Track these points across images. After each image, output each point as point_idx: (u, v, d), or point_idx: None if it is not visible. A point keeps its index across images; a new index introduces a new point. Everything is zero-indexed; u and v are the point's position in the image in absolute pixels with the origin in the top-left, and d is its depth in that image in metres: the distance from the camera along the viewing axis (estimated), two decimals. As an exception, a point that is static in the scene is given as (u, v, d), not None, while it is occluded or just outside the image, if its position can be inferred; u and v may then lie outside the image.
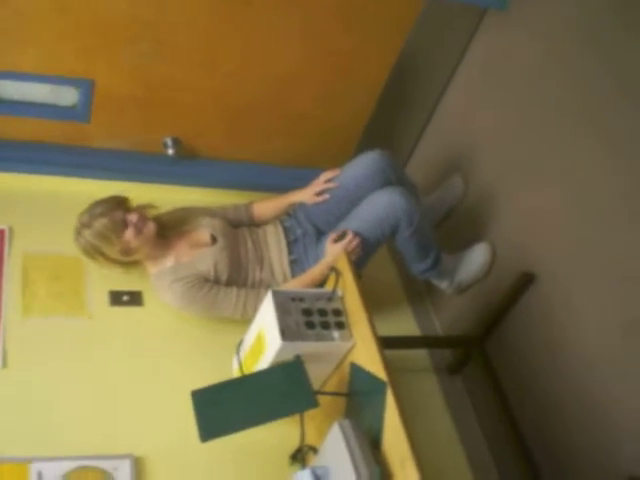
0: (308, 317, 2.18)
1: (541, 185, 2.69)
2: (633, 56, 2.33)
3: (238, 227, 2.94)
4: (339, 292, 2.28)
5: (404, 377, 2.26)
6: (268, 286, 2.74)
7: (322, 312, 2.21)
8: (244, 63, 3.00)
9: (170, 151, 3.21)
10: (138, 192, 3.02)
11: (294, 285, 2.72)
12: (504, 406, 2.69)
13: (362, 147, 3.42)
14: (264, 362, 2.19)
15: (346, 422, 2.01)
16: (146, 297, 2.83)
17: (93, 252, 2.68)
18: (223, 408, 2.05)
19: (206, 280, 2.69)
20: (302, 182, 2.99)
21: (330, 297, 2.27)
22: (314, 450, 2.29)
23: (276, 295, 2.19)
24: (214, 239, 2.81)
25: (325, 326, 2.19)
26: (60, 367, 2.54)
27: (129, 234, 2.63)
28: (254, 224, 3.02)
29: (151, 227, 2.69)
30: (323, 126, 3.34)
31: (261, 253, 2.83)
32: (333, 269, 2.33)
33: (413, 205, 2.69)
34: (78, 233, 2.66)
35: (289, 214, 2.97)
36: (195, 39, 2.87)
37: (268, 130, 3.31)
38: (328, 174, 2.90)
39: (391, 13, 2.95)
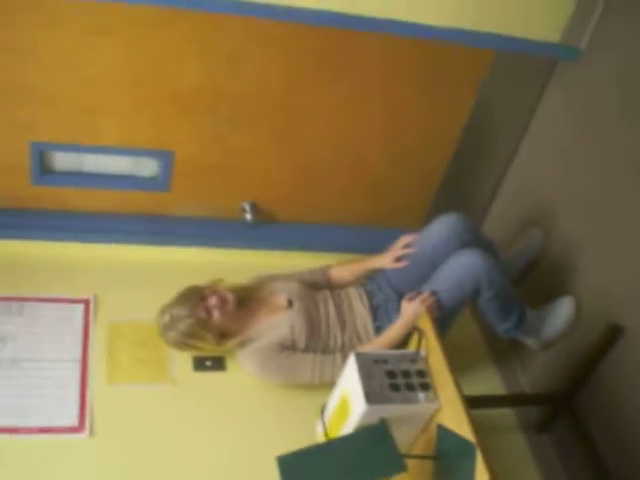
0: (392, 379, 2.15)
1: (623, 236, 2.63)
2: None
3: (317, 290, 2.94)
4: (422, 352, 2.26)
5: (491, 437, 2.20)
6: (348, 351, 2.70)
7: (406, 374, 2.18)
8: (319, 127, 3.06)
9: (248, 216, 3.26)
10: (218, 257, 3.09)
11: (372, 347, 2.70)
12: (596, 464, 2.59)
13: (437, 205, 3.43)
14: (349, 426, 2.16)
15: (435, 486, 1.97)
16: (229, 362, 2.84)
17: (185, 347, 2.76)
18: (309, 474, 2.02)
19: (284, 347, 2.69)
20: (378, 242, 2.99)
21: (414, 358, 2.24)
22: (403, 515, 2.24)
23: (359, 358, 2.17)
24: (290, 302, 2.81)
25: (410, 388, 2.15)
26: (145, 434, 2.55)
27: (216, 318, 2.68)
28: (332, 287, 3.00)
29: (230, 299, 2.72)
30: (398, 186, 3.35)
31: (343, 316, 2.82)
32: (416, 329, 2.31)
33: (492, 265, 2.65)
34: (164, 333, 2.73)
35: (369, 278, 2.96)
36: (270, 107, 2.94)
37: (343, 192, 3.35)
38: (406, 239, 2.88)
39: (460, 68, 2.98)
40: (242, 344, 2.75)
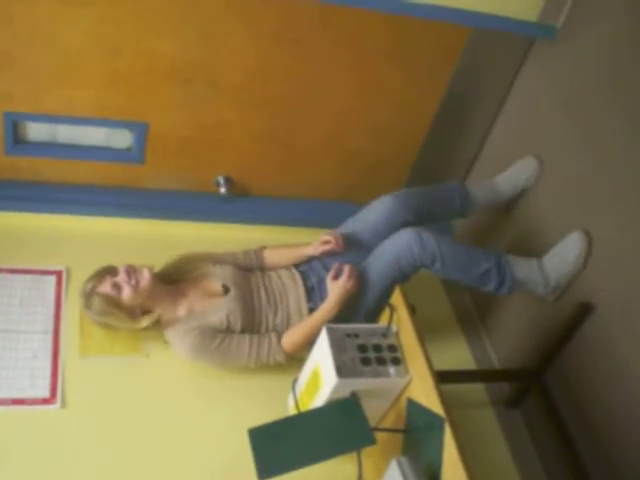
0: (364, 353, 2.16)
1: (595, 214, 2.66)
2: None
3: (251, 272, 2.89)
4: (394, 327, 2.27)
5: (461, 411, 2.22)
6: (281, 331, 2.70)
7: (377, 348, 2.20)
8: (295, 100, 3.05)
9: (222, 190, 3.25)
10: (191, 231, 3.08)
11: (302, 329, 2.67)
12: (565, 440, 2.64)
13: (414, 179, 3.43)
14: (320, 399, 2.18)
15: (404, 459, 1.99)
16: (201, 335, 2.84)
17: (109, 328, 2.67)
18: (280, 446, 2.04)
19: (218, 331, 2.64)
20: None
21: (385, 332, 2.25)
22: (372, 488, 2.27)
23: (331, 332, 2.18)
24: (226, 289, 2.76)
25: (381, 362, 2.17)
26: (117, 407, 2.56)
27: (126, 295, 2.58)
28: (265, 269, 2.95)
29: (146, 275, 2.62)
30: (374, 160, 3.36)
31: (274, 299, 2.77)
32: (388, 304, 2.32)
33: (426, 237, 2.62)
34: (86, 314, 2.66)
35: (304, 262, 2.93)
36: (247, 79, 2.92)
37: (319, 166, 3.34)
38: (325, 237, 2.80)
39: (438, 45, 2.98)
40: (171, 324, 2.68)
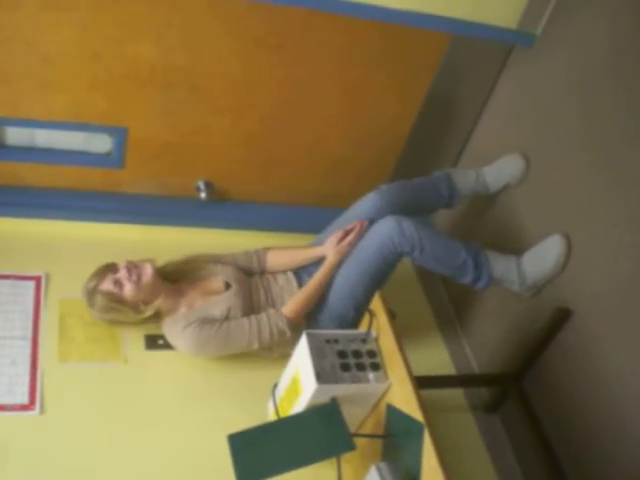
0: (343, 359, 2.17)
1: (574, 220, 2.68)
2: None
3: (250, 275, 2.91)
4: (373, 333, 2.28)
5: (440, 417, 2.24)
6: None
7: (357, 354, 2.20)
8: (275, 106, 3.05)
9: (203, 194, 3.25)
10: (172, 235, 3.08)
11: (303, 294, 2.74)
12: (542, 444, 2.65)
13: (395, 177, 3.44)
14: (300, 405, 2.18)
15: (383, 465, 1.99)
16: (181, 340, 2.84)
17: (115, 323, 2.72)
18: (260, 452, 2.04)
19: (217, 320, 2.66)
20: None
21: (364, 338, 2.26)
22: (352, 493, 2.27)
23: (310, 337, 2.19)
24: (227, 286, 2.79)
25: (360, 368, 2.17)
26: (96, 413, 2.54)
27: (127, 290, 2.61)
28: (263, 272, 2.96)
29: (148, 270, 2.65)
30: (354, 166, 3.37)
31: (272, 299, 2.82)
32: (367, 310, 2.32)
33: (406, 224, 2.65)
34: (90, 313, 2.69)
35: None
36: (227, 84, 2.92)
37: (300, 171, 3.34)
38: (339, 234, 2.82)
39: (419, 51, 2.99)
40: (170, 320, 2.70)
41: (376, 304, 2.31)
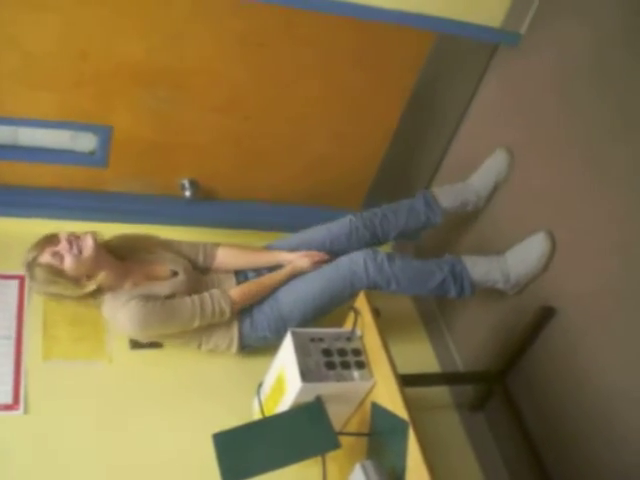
0: (328, 357, 2.17)
1: (556, 217, 2.69)
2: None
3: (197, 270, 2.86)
4: (358, 332, 2.28)
5: (425, 415, 2.24)
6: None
7: (342, 352, 2.21)
8: (259, 105, 3.04)
9: (187, 193, 3.24)
10: (157, 234, 3.05)
11: (253, 283, 2.76)
12: (527, 442, 2.66)
13: (376, 185, 3.45)
14: (285, 404, 2.18)
15: (368, 463, 2.00)
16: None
17: (55, 297, 2.60)
18: (245, 451, 2.04)
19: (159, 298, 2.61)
20: (318, 221, 3.00)
21: (349, 337, 2.26)
22: (337, 492, 2.28)
23: (295, 336, 2.19)
24: (174, 274, 2.74)
25: (345, 366, 2.18)
26: (81, 412, 2.54)
27: (68, 264, 2.49)
28: (208, 268, 2.90)
29: (89, 243, 2.53)
30: (338, 165, 3.37)
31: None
32: (352, 308, 2.33)
33: (382, 262, 2.69)
34: (30, 287, 2.64)
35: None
36: (211, 83, 2.91)
37: (284, 170, 3.34)
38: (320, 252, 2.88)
39: (402, 50, 2.99)
40: (111, 295, 2.60)
41: (361, 302, 2.31)
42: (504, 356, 2.82)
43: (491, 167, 3.01)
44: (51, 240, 2.54)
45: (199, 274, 2.83)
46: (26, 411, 2.48)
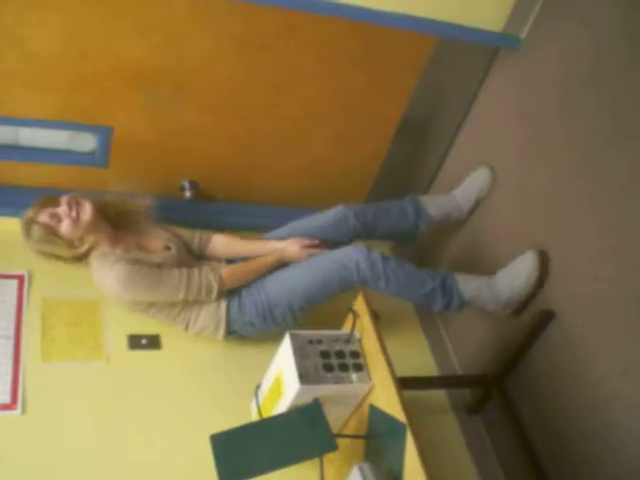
0: (326, 359, 2.17)
1: (553, 222, 2.69)
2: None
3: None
4: (357, 334, 2.28)
5: (423, 418, 2.25)
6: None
7: (340, 354, 2.21)
8: (259, 107, 3.05)
9: (187, 194, 3.24)
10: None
11: (245, 267, 2.78)
12: (525, 445, 2.66)
13: (378, 186, 3.45)
14: (283, 406, 2.18)
15: (366, 465, 2.00)
16: (164, 340, 2.84)
17: (48, 256, 2.67)
18: (242, 452, 2.04)
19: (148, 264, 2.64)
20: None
21: (348, 339, 2.27)
22: (334, 494, 2.28)
23: (294, 338, 2.19)
24: (167, 248, 2.77)
25: (343, 368, 2.18)
26: (78, 413, 2.54)
27: (65, 227, 2.60)
28: (203, 256, 2.94)
29: (87, 209, 2.63)
30: (339, 167, 3.37)
31: None
32: (351, 311, 2.33)
33: (376, 259, 2.69)
34: (26, 243, 2.66)
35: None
36: (213, 84, 2.92)
37: (284, 172, 3.35)
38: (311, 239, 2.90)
39: (403, 53, 2.99)
40: (101, 254, 2.64)
41: (359, 305, 2.31)
42: (502, 359, 2.82)
43: (473, 183, 3.07)
44: (51, 201, 2.63)
45: (192, 259, 2.85)
46: (24, 411, 2.48)
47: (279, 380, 2.22)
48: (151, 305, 2.69)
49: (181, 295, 2.63)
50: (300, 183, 3.41)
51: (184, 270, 2.65)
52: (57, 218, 2.60)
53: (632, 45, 2.42)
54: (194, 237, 2.93)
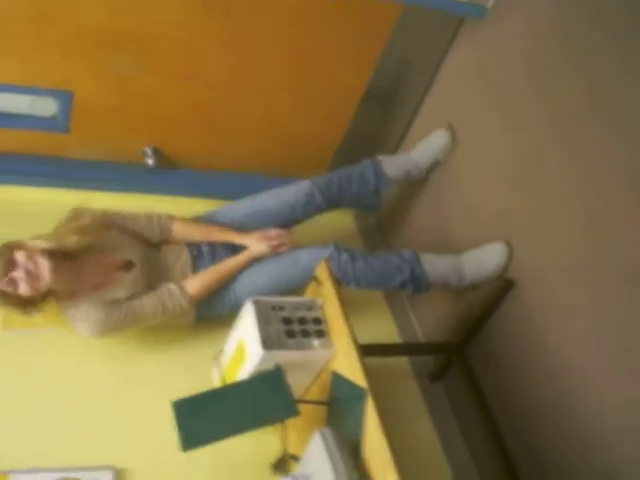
0: (288, 326, 2.18)
1: (517, 191, 2.71)
2: (608, 61, 2.36)
3: (150, 245, 2.82)
4: (319, 300, 2.29)
5: (385, 384, 2.26)
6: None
7: (302, 321, 2.22)
8: (224, 73, 3.02)
9: (150, 161, 3.21)
10: (118, 202, 3.03)
11: (211, 278, 2.72)
12: (485, 411, 2.70)
13: (344, 153, 3.45)
14: (245, 372, 2.19)
15: (327, 430, 2.01)
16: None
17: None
18: (204, 418, 2.04)
19: (120, 301, 2.58)
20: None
21: (310, 306, 2.27)
22: (296, 459, 2.29)
23: (257, 304, 2.19)
24: (130, 264, 2.68)
25: (305, 335, 2.19)
26: (40, 378, 2.53)
27: (23, 290, 2.42)
28: (164, 241, 2.87)
29: (45, 270, 2.43)
30: (303, 133, 3.36)
31: (169, 270, 2.77)
32: (314, 278, 2.33)
33: (345, 262, 2.74)
34: None
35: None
36: (176, 50, 2.88)
37: (248, 139, 3.33)
38: (277, 231, 2.87)
39: (368, 21, 2.97)
40: (71, 304, 2.54)
41: (322, 272, 2.32)
42: (464, 327, 2.86)
43: (431, 144, 3.12)
44: (9, 265, 2.42)
45: (154, 252, 2.79)
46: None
47: (241, 346, 2.22)
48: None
49: (157, 322, 2.65)
50: (265, 150, 3.39)
51: (156, 299, 2.60)
52: (14, 284, 2.42)
53: (598, 17, 2.42)
54: (153, 225, 2.81)
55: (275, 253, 2.81)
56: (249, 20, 2.84)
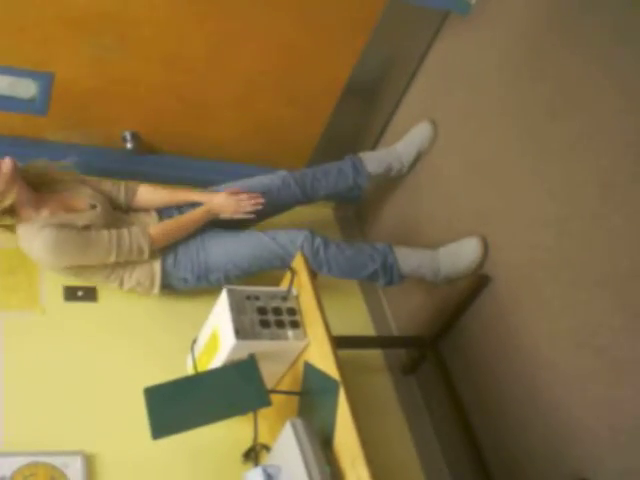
0: (263, 316, 2.18)
1: (495, 188, 2.72)
2: (585, 70, 2.37)
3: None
4: (294, 291, 2.29)
5: (358, 377, 2.28)
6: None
7: (277, 311, 2.22)
8: (205, 59, 3.00)
9: (129, 145, 3.19)
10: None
11: (174, 224, 2.76)
12: (457, 406, 2.72)
13: (325, 148, 3.44)
14: (218, 360, 2.19)
15: (298, 421, 2.02)
16: (101, 293, 2.81)
17: None
18: (176, 406, 2.04)
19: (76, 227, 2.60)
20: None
21: (285, 296, 2.27)
22: (267, 449, 2.30)
23: (231, 293, 2.19)
24: (93, 207, 2.71)
25: (279, 325, 2.19)
26: (11, 361, 2.52)
27: None
28: (130, 208, 2.90)
29: (7, 162, 2.50)
30: (282, 125, 3.34)
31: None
32: (289, 268, 2.33)
33: (318, 247, 2.75)
34: None
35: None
36: (157, 34, 2.85)
37: (228, 126, 3.30)
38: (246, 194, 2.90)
39: (351, 13, 2.95)
40: (27, 220, 2.58)
41: (298, 263, 2.32)
42: (437, 322, 2.87)
43: (415, 136, 3.12)
44: None
45: (120, 213, 2.83)
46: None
47: (215, 335, 2.22)
48: (84, 269, 2.66)
49: (112, 258, 2.61)
50: (245, 138, 3.37)
51: (113, 232, 2.62)
52: None
53: (583, 19, 2.43)
54: (120, 189, 2.88)
55: (238, 212, 2.84)
56: (232, 6, 2.81)
